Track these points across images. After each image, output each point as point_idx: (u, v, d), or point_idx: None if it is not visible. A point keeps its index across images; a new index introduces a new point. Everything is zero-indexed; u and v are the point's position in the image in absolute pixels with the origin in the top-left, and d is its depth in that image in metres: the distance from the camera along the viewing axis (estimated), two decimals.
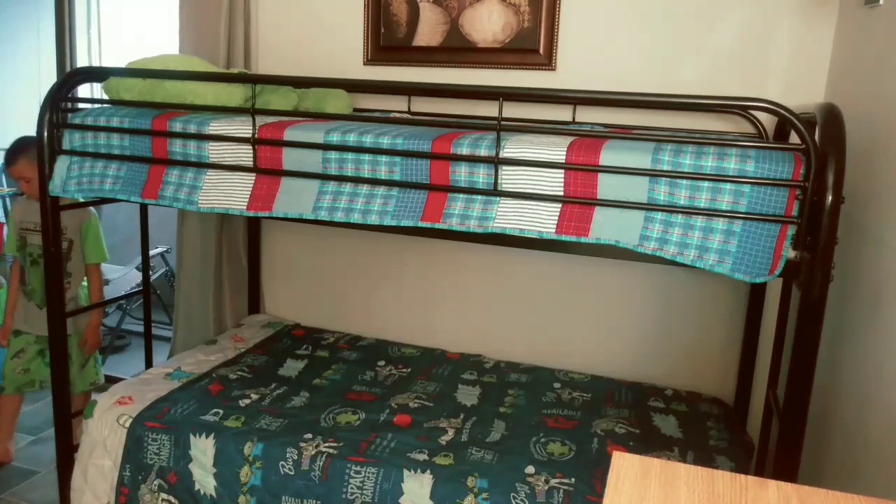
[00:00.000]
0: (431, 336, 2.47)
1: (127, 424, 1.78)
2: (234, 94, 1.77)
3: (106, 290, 3.83)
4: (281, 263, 2.63)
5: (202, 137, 1.59)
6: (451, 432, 1.79)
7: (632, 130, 1.87)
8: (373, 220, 1.46)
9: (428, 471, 1.59)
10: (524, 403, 2.01)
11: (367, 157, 1.47)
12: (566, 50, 2.15)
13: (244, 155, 1.56)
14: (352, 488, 1.59)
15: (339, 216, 1.48)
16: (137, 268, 3.66)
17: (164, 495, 1.73)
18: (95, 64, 3.25)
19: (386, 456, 1.65)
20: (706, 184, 1.24)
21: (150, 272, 2.65)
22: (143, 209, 2.29)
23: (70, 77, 1.78)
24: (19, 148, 2.25)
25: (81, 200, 1.92)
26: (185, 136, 1.61)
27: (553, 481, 1.57)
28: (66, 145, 1.73)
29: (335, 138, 1.49)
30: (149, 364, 2.47)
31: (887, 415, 1.31)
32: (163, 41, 3.10)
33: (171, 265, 3.85)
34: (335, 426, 1.79)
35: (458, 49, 2.24)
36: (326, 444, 1.67)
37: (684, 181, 1.26)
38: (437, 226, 1.40)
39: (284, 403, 1.91)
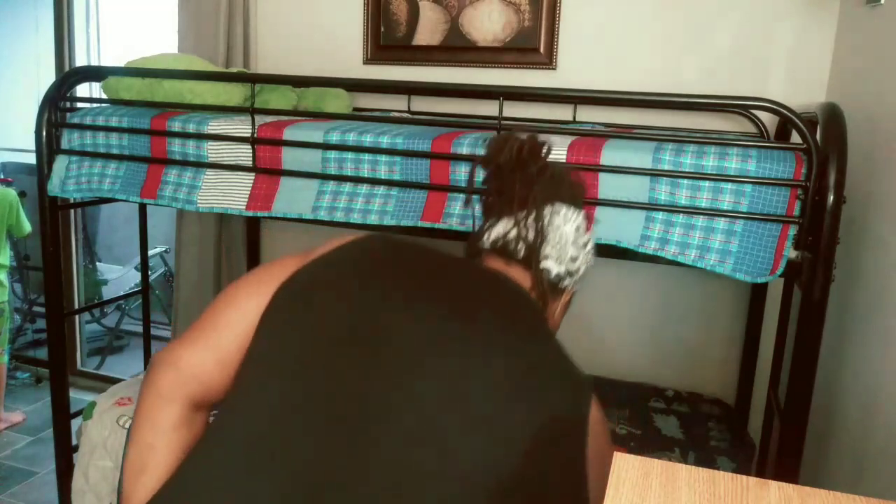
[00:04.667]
0: None
1: (127, 426, 1.77)
2: (233, 94, 1.77)
3: (105, 291, 3.85)
4: None
5: (201, 137, 1.59)
6: None
7: (633, 130, 1.86)
8: (373, 220, 1.45)
9: None
10: None
11: (366, 156, 1.46)
12: (567, 49, 2.14)
13: (243, 154, 1.56)
14: None
15: (339, 216, 1.47)
16: (136, 268, 3.67)
17: None
18: (94, 63, 3.25)
19: None
20: (707, 183, 1.24)
21: (149, 272, 2.65)
22: (142, 209, 2.29)
23: (69, 76, 1.77)
24: None
25: (80, 200, 1.92)
26: (184, 135, 1.60)
27: None
28: (64, 145, 1.73)
29: (335, 138, 1.49)
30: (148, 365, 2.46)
31: (889, 415, 1.31)
32: (162, 41, 3.10)
33: (170, 265, 3.85)
34: None
35: (458, 48, 2.24)
36: None
37: (685, 181, 1.25)
38: (437, 226, 1.40)
39: None
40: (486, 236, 0.97)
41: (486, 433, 0.73)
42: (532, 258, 0.94)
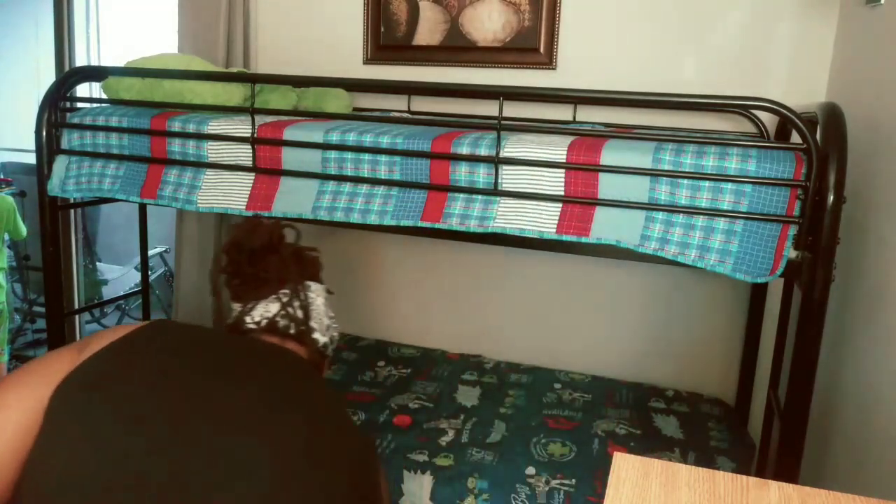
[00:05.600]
0: (431, 336, 2.46)
1: None
2: (233, 94, 1.76)
3: (105, 291, 3.85)
4: None
5: (201, 137, 1.59)
6: (451, 433, 1.79)
7: (633, 130, 1.86)
8: (372, 219, 1.45)
9: (428, 472, 1.58)
10: (524, 404, 2.00)
11: (366, 156, 1.46)
12: (567, 49, 2.14)
13: (243, 154, 1.56)
14: None
15: (339, 216, 1.47)
16: (136, 268, 3.66)
17: None
18: (94, 63, 3.24)
19: (386, 457, 1.64)
20: (707, 183, 1.24)
21: (149, 272, 2.65)
22: (142, 209, 2.29)
23: (69, 76, 1.77)
24: None
25: (80, 200, 1.92)
26: (184, 135, 1.60)
27: (553, 482, 1.56)
28: (64, 145, 1.73)
29: (335, 138, 1.49)
30: None
31: (889, 415, 1.31)
32: (162, 41, 3.10)
33: (170, 265, 3.85)
34: None
35: (458, 48, 2.24)
36: None
37: (685, 181, 1.25)
38: (437, 226, 1.40)
39: None
40: (248, 318, 1.01)
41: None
42: (305, 334, 1.03)
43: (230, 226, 1.07)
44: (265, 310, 1.02)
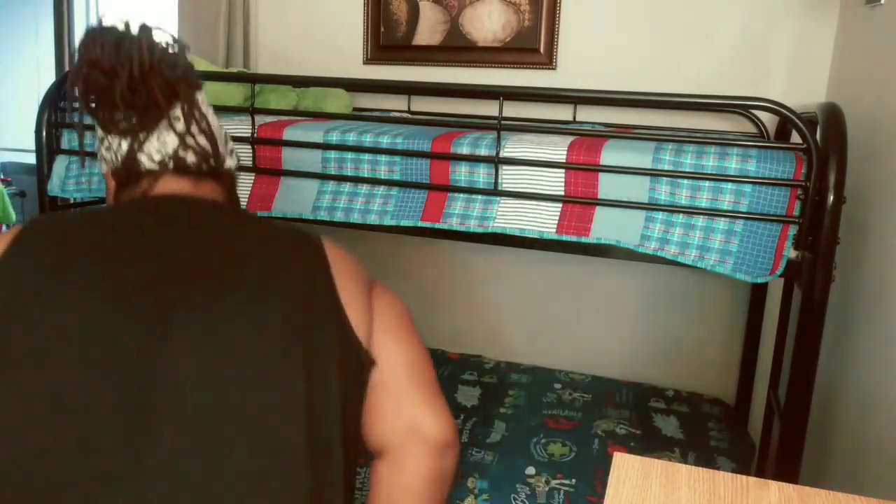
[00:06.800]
0: (431, 336, 2.46)
1: None
2: (233, 94, 1.76)
3: None
4: None
5: None
6: None
7: (633, 130, 1.86)
8: (372, 220, 1.45)
9: None
10: (524, 404, 2.00)
11: (366, 156, 1.46)
12: (567, 49, 2.14)
13: (243, 155, 1.56)
14: None
15: (339, 216, 1.48)
16: None
17: None
18: None
19: None
20: (707, 183, 1.24)
21: None
22: None
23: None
24: None
25: (80, 200, 1.91)
26: None
27: (553, 482, 1.56)
28: (64, 145, 1.72)
29: (334, 138, 1.49)
30: None
31: (889, 415, 1.31)
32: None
33: None
34: None
35: (458, 48, 2.24)
36: None
37: (685, 181, 1.25)
38: (437, 226, 1.40)
39: None
40: (142, 157, 0.84)
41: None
42: (218, 168, 0.88)
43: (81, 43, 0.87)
44: (161, 144, 0.84)
